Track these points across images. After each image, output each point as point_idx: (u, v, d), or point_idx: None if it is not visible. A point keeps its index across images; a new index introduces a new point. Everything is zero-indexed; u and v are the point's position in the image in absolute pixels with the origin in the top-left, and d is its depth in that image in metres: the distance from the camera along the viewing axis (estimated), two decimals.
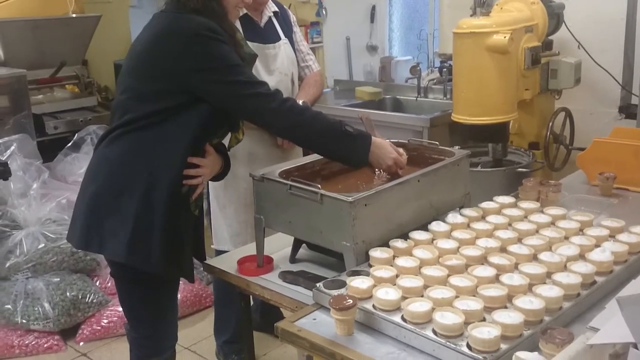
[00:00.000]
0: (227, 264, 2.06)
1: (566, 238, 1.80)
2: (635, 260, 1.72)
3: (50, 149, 3.90)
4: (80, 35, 4.60)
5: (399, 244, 1.75)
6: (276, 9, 2.77)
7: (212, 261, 2.13)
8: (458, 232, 1.83)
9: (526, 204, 2.03)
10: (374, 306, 1.51)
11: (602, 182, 2.34)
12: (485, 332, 1.32)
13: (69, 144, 3.84)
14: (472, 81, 2.64)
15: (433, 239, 1.80)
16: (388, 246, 1.74)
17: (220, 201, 2.75)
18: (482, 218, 1.95)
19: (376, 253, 1.70)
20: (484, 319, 1.41)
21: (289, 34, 2.80)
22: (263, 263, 1.98)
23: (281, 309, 1.97)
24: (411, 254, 1.70)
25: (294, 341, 1.53)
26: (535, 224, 1.88)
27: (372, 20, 4.82)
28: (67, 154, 3.81)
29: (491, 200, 2.07)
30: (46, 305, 3.17)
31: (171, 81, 1.84)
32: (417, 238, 1.80)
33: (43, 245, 3.23)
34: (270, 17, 2.73)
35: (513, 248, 1.71)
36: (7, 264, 3.20)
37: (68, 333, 3.30)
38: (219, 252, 2.67)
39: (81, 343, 3.28)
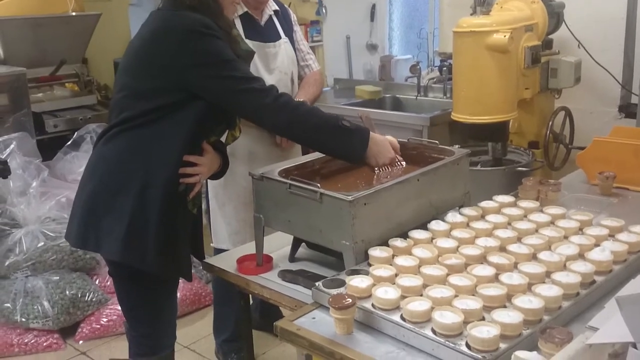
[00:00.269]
0: (227, 262, 2.06)
1: (566, 237, 1.79)
2: (634, 259, 1.72)
3: (49, 148, 3.90)
4: (80, 33, 4.59)
5: (399, 243, 1.75)
6: (277, 8, 2.77)
7: (211, 260, 2.13)
8: (457, 231, 1.82)
9: (526, 203, 2.03)
10: (373, 305, 1.51)
11: (602, 181, 2.34)
12: (484, 332, 1.32)
13: (69, 143, 3.84)
14: (472, 80, 2.64)
15: (432, 238, 1.80)
16: (387, 245, 1.74)
17: (220, 199, 2.75)
18: (482, 217, 1.95)
19: (375, 252, 1.70)
20: (483, 318, 1.41)
21: (290, 33, 2.80)
22: (262, 262, 1.97)
23: (280, 307, 1.97)
24: (410, 253, 1.69)
25: (293, 340, 1.53)
26: (534, 223, 1.88)
27: (372, 18, 4.82)
28: (66, 153, 3.81)
29: (491, 199, 2.07)
30: (45, 303, 3.17)
31: (167, 78, 1.84)
32: (416, 237, 1.80)
33: (42, 243, 3.23)
34: (270, 16, 2.73)
35: (512, 247, 1.71)
36: (7, 263, 3.20)
37: (67, 331, 3.30)
38: (218, 251, 2.68)
39: (80, 342, 3.28)
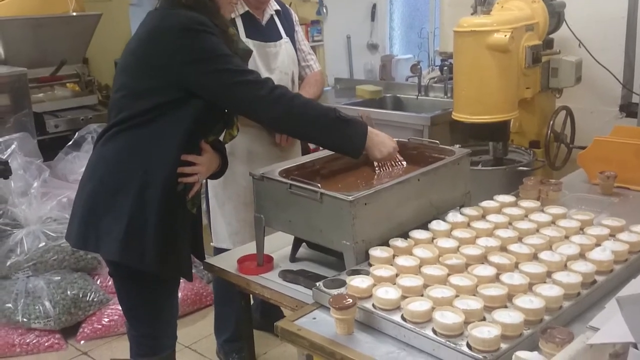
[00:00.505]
0: (227, 262, 2.06)
1: (566, 237, 1.79)
2: (635, 259, 1.72)
3: (50, 148, 3.90)
4: (81, 33, 4.59)
5: (399, 243, 1.75)
6: (278, 8, 2.77)
7: (212, 260, 2.13)
8: (458, 231, 1.82)
9: (526, 203, 2.03)
10: (373, 305, 1.51)
11: (603, 181, 2.33)
12: (485, 332, 1.32)
13: (70, 143, 3.83)
14: (472, 80, 2.64)
15: (433, 238, 1.80)
16: (388, 245, 1.74)
17: (220, 199, 2.75)
18: (483, 217, 1.95)
19: (376, 252, 1.69)
20: (484, 319, 1.41)
21: (291, 33, 2.80)
22: (263, 262, 1.97)
23: (281, 308, 1.97)
24: (411, 253, 1.69)
25: (294, 340, 1.53)
26: (535, 223, 1.88)
27: (372, 18, 4.82)
28: (67, 153, 3.81)
29: (491, 199, 2.06)
30: (47, 303, 3.17)
31: (164, 77, 1.84)
32: (417, 237, 1.80)
33: (44, 244, 3.23)
34: (272, 16, 2.73)
35: (513, 247, 1.71)
36: (8, 263, 3.20)
37: (69, 332, 3.30)
38: (219, 250, 2.68)
39: (82, 342, 3.29)
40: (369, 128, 1.92)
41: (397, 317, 1.46)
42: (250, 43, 2.57)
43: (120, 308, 2.16)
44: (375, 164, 2.03)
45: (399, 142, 2.11)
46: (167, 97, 1.85)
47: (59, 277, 3.26)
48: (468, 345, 1.33)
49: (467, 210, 1.96)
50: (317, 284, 1.64)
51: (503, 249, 1.73)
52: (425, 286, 1.53)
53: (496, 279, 1.56)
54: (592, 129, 3.03)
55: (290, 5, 3.03)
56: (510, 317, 1.38)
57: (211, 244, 2.78)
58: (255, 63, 2.59)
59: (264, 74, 2.59)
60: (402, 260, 1.64)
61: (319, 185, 1.75)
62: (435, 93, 4.00)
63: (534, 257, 1.68)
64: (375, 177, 2.01)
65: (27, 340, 3.18)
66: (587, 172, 2.49)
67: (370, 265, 1.68)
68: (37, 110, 4.09)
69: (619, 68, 3.26)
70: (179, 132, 1.86)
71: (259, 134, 2.65)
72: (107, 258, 1.98)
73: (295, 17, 2.89)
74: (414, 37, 4.78)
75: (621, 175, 2.33)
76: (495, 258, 1.65)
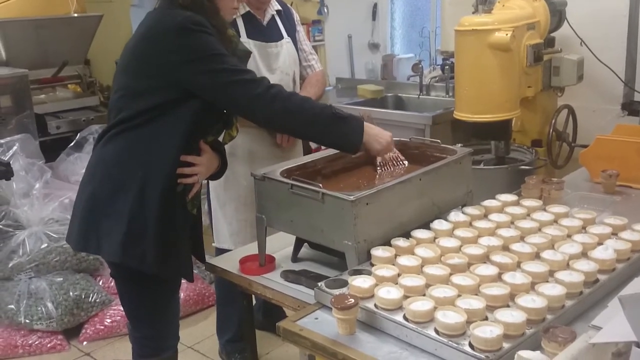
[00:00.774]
0: (229, 263, 2.06)
1: (569, 236, 1.79)
2: (638, 258, 1.71)
3: (52, 149, 3.90)
4: (82, 34, 4.59)
5: (401, 242, 1.75)
6: (279, 8, 2.77)
7: (213, 260, 2.14)
8: (460, 230, 1.82)
9: (529, 202, 2.03)
10: (375, 305, 1.50)
11: (605, 179, 2.33)
12: (487, 331, 1.32)
13: (72, 144, 3.84)
14: (474, 79, 2.63)
15: (435, 238, 1.80)
16: (390, 245, 1.74)
17: (221, 199, 2.75)
18: (485, 216, 1.94)
19: (378, 252, 1.69)
20: (486, 318, 1.41)
21: (292, 33, 2.79)
22: (265, 262, 1.97)
23: (283, 308, 1.97)
24: (413, 253, 1.69)
25: (296, 340, 1.53)
26: (537, 222, 1.87)
27: (373, 18, 4.82)
28: (69, 154, 3.81)
29: (494, 198, 2.06)
30: (49, 305, 3.17)
31: (162, 77, 1.84)
32: (419, 237, 1.80)
33: (46, 245, 3.24)
34: (273, 16, 2.73)
35: (515, 246, 1.70)
36: (10, 264, 3.21)
37: (71, 333, 3.31)
38: (220, 250, 2.68)
39: (84, 342, 3.29)
40: (365, 123, 1.92)
41: (399, 317, 1.45)
42: (251, 43, 2.57)
43: (123, 309, 2.16)
44: (377, 163, 2.02)
45: (400, 141, 2.11)
46: (165, 97, 1.85)
47: (61, 278, 3.26)
48: (470, 345, 1.33)
49: (469, 210, 1.96)
50: (319, 284, 1.64)
51: (505, 248, 1.73)
52: (427, 286, 1.53)
53: (498, 278, 1.56)
54: (594, 128, 3.02)
55: (291, 5, 3.03)
56: (512, 316, 1.37)
57: (213, 244, 2.78)
58: (257, 63, 2.59)
59: (265, 74, 2.58)
60: (404, 260, 1.64)
61: (321, 185, 1.75)
62: (437, 92, 4.00)
63: (536, 256, 1.67)
64: (377, 176, 2.01)
65: (30, 342, 3.19)
66: (589, 170, 2.48)
67: (372, 265, 1.68)
68: (38, 112, 4.09)
69: (621, 66, 3.26)
70: (178, 132, 1.86)
71: (260, 135, 2.64)
72: (108, 259, 1.99)
73: (296, 17, 2.89)
74: (415, 37, 4.78)
75: (623, 174, 2.32)
76: (497, 257, 1.65)
